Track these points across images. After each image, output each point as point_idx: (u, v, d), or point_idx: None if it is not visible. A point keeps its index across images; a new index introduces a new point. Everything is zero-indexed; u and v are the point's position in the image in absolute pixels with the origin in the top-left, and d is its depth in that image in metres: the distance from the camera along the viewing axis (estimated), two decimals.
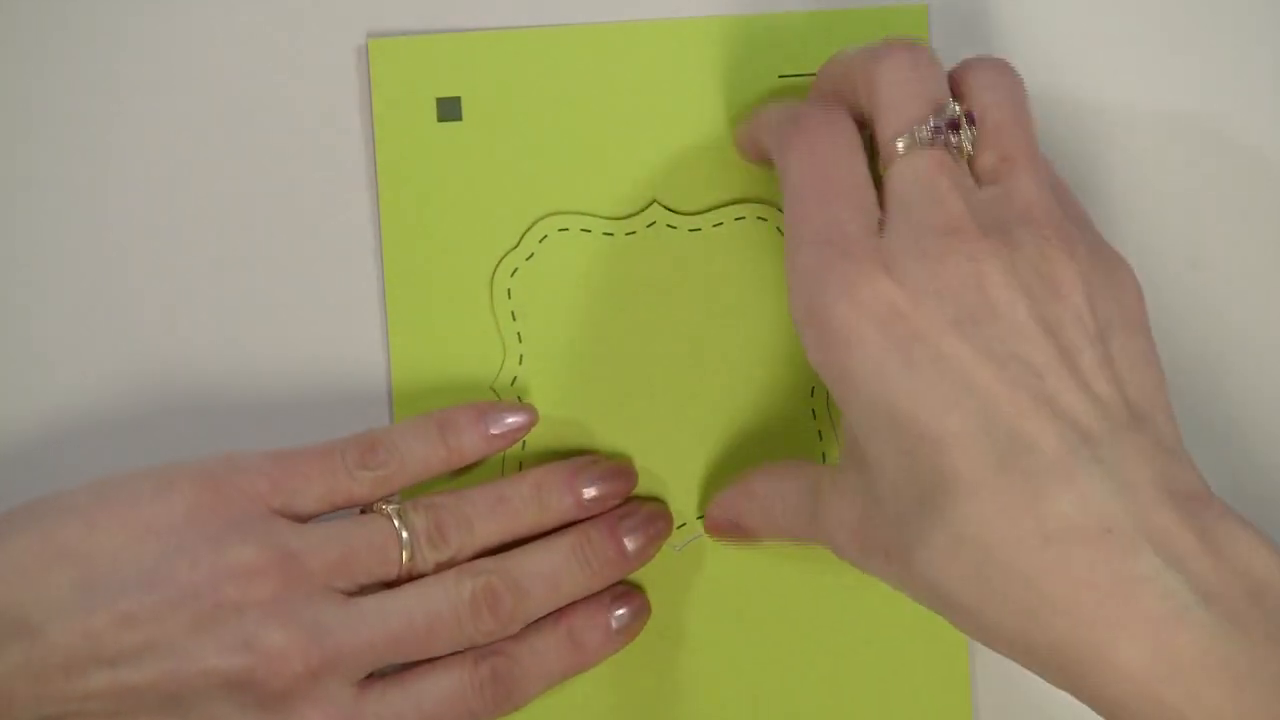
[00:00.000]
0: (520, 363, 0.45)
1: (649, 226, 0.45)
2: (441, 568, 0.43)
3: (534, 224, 0.45)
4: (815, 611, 0.49)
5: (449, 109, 0.47)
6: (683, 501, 0.47)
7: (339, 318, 0.49)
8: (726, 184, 0.48)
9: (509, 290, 0.44)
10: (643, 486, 0.46)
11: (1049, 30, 0.50)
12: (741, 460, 0.47)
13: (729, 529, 0.46)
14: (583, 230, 0.44)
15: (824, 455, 0.47)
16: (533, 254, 0.44)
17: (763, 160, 0.44)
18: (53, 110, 0.49)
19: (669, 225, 0.44)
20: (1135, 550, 0.35)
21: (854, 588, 0.49)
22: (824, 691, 0.49)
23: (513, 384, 0.45)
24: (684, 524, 0.47)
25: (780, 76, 0.48)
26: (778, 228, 0.44)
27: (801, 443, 0.47)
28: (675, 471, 0.47)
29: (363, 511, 0.44)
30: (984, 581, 0.36)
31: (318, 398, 0.49)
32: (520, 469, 0.46)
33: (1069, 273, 0.38)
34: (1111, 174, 0.50)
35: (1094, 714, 0.50)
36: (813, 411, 0.46)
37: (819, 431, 0.46)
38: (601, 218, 0.45)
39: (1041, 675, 0.37)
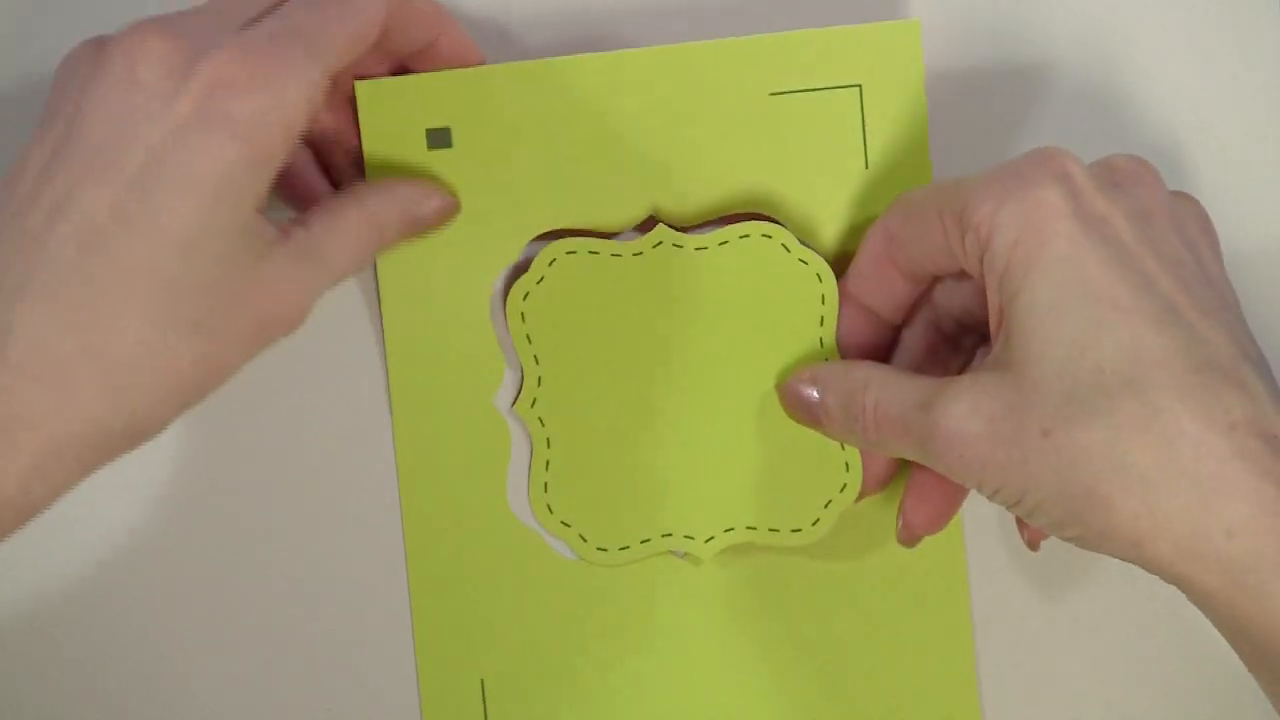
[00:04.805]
0: (539, 384, 0.45)
1: (655, 247, 0.46)
2: None
3: (542, 249, 0.46)
4: (818, 611, 0.48)
5: (439, 138, 0.47)
6: (700, 516, 0.47)
7: (335, 341, 0.48)
8: (717, 208, 0.47)
9: (523, 314, 0.45)
10: (660, 502, 0.47)
11: (1041, 41, 0.50)
12: (760, 472, 0.46)
13: (802, 408, 0.46)
14: (591, 253, 0.46)
15: (847, 465, 0.46)
16: (543, 277, 0.46)
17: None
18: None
19: (675, 244, 0.46)
20: None
21: (856, 586, 0.48)
22: (828, 691, 0.48)
23: (533, 405, 0.45)
24: (712, 538, 0.47)
25: (771, 94, 0.48)
26: (783, 244, 0.46)
27: (819, 453, 0.46)
28: (693, 486, 0.47)
29: None
30: (1172, 455, 0.38)
31: (318, 428, 0.48)
32: (546, 490, 0.46)
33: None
34: None
35: (1094, 706, 0.49)
36: None
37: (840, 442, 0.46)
38: (607, 238, 0.46)
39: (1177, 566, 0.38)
